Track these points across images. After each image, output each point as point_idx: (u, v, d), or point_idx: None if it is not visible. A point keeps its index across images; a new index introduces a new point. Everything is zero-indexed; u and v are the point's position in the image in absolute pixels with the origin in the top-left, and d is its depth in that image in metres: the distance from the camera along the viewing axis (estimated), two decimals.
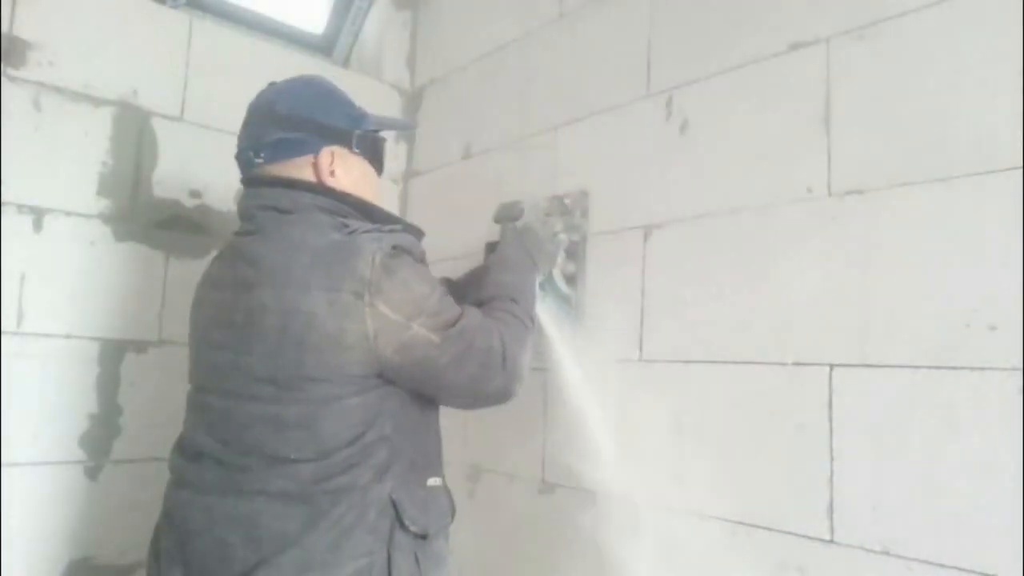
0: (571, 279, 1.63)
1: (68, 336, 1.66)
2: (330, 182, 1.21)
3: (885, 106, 1.17)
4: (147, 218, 1.78)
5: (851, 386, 1.16)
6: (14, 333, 1.59)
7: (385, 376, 1.11)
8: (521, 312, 1.29)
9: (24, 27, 1.63)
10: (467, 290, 1.52)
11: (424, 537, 1.13)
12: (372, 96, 2.21)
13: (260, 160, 1.21)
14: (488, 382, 1.18)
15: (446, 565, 1.19)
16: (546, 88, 1.82)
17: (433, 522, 1.16)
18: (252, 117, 1.24)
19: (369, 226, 1.14)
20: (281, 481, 1.06)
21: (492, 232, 1.64)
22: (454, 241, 1.88)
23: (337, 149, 1.22)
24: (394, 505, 1.10)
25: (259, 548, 1.04)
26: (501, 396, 1.21)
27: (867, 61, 1.20)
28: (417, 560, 1.11)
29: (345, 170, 1.23)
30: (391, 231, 1.16)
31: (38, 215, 1.63)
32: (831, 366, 1.18)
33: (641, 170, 1.55)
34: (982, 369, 1.02)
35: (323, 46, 2.33)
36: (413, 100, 2.34)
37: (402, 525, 1.10)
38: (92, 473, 1.67)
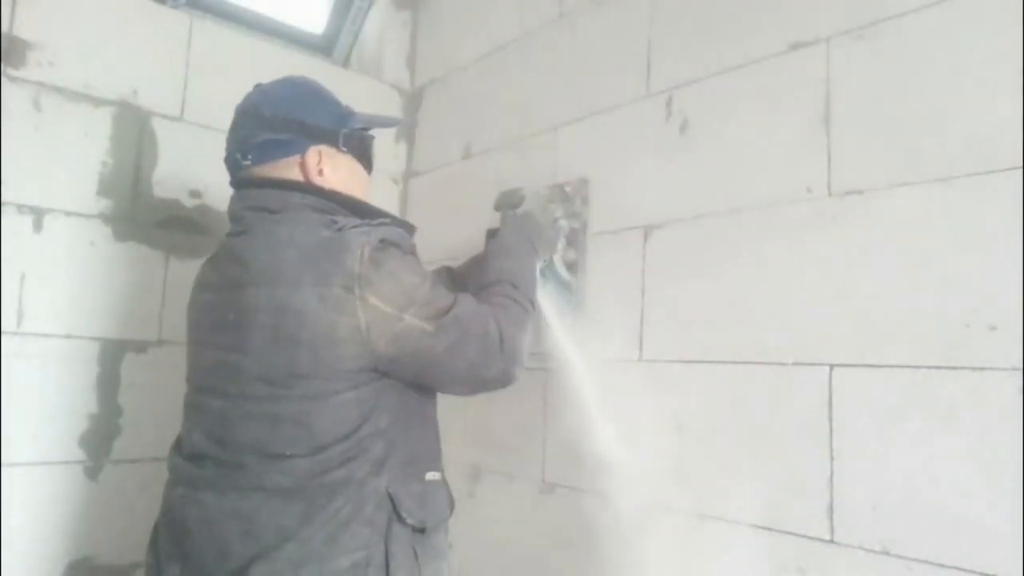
0: (571, 266, 1.63)
1: (68, 336, 1.66)
2: (318, 181, 1.21)
3: (885, 106, 1.17)
4: (147, 218, 1.78)
5: (851, 386, 1.16)
6: (14, 333, 1.59)
7: (380, 369, 1.12)
8: (520, 296, 1.30)
9: (24, 27, 1.63)
10: (468, 277, 1.52)
11: (422, 531, 1.14)
12: (372, 96, 2.22)
13: (248, 162, 1.21)
14: (487, 367, 1.18)
15: (445, 559, 1.20)
16: (546, 88, 1.81)
17: (431, 516, 1.16)
18: (239, 119, 1.25)
19: (357, 221, 1.15)
20: (277, 476, 1.07)
21: (493, 220, 1.64)
22: (454, 241, 1.87)
23: (324, 148, 1.23)
24: (391, 499, 1.10)
25: (256, 543, 1.05)
26: (501, 380, 1.21)
27: (867, 61, 1.20)
28: (415, 554, 1.11)
29: (333, 169, 1.24)
30: (379, 225, 1.16)
31: (38, 215, 1.63)
32: (831, 366, 1.18)
33: (641, 170, 1.55)
34: (982, 369, 1.02)
35: (323, 46, 2.33)
36: (413, 100, 2.34)
37: (399, 518, 1.10)
38: (92, 473, 1.67)
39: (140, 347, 1.75)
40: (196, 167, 1.85)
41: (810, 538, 1.18)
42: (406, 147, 2.33)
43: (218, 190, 1.87)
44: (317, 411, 1.07)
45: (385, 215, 1.24)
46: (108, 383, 1.71)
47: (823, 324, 1.20)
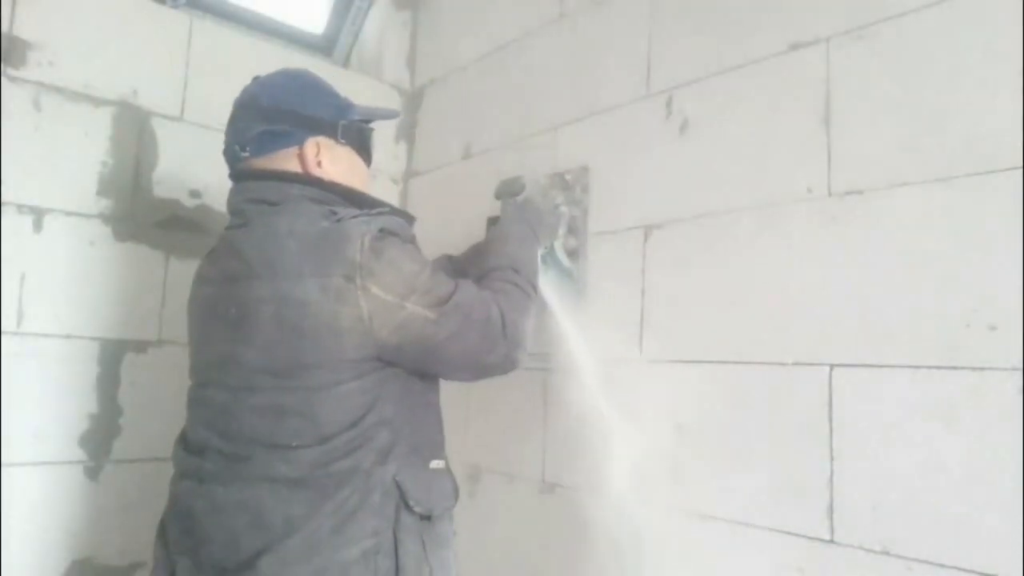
0: (572, 253, 1.63)
1: (68, 336, 1.66)
2: (317, 172, 1.21)
3: (885, 106, 1.17)
4: (147, 218, 1.78)
5: (851, 386, 1.16)
6: (14, 333, 1.59)
7: (384, 358, 1.12)
8: (522, 281, 1.30)
9: (24, 27, 1.63)
10: (469, 264, 1.52)
11: (429, 518, 1.14)
12: (372, 96, 2.21)
13: (246, 154, 1.21)
14: (489, 353, 1.18)
15: (450, 547, 1.20)
16: (546, 88, 1.81)
17: (438, 504, 1.16)
18: (237, 112, 1.25)
19: (356, 212, 1.15)
20: (284, 467, 1.07)
21: (493, 210, 1.64)
22: (454, 241, 1.87)
23: (322, 140, 1.23)
24: (398, 487, 1.10)
25: (265, 533, 1.05)
26: (504, 365, 1.22)
27: (867, 61, 1.20)
28: (423, 542, 1.12)
29: (331, 160, 1.23)
30: (379, 214, 1.16)
31: (38, 215, 1.63)
32: (831, 366, 1.18)
33: (641, 170, 1.55)
34: (982, 369, 1.02)
35: (323, 46, 2.33)
36: (413, 100, 2.34)
37: (407, 506, 1.11)
38: (92, 473, 1.67)
39: (140, 347, 1.75)
40: (196, 167, 1.85)
41: (810, 538, 1.18)
42: (406, 147, 2.33)
43: (218, 190, 1.87)
44: (321, 401, 1.07)
45: (384, 205, 1.23)
46: (108, 383, 1.71)
47: (823, 324, 1.20)
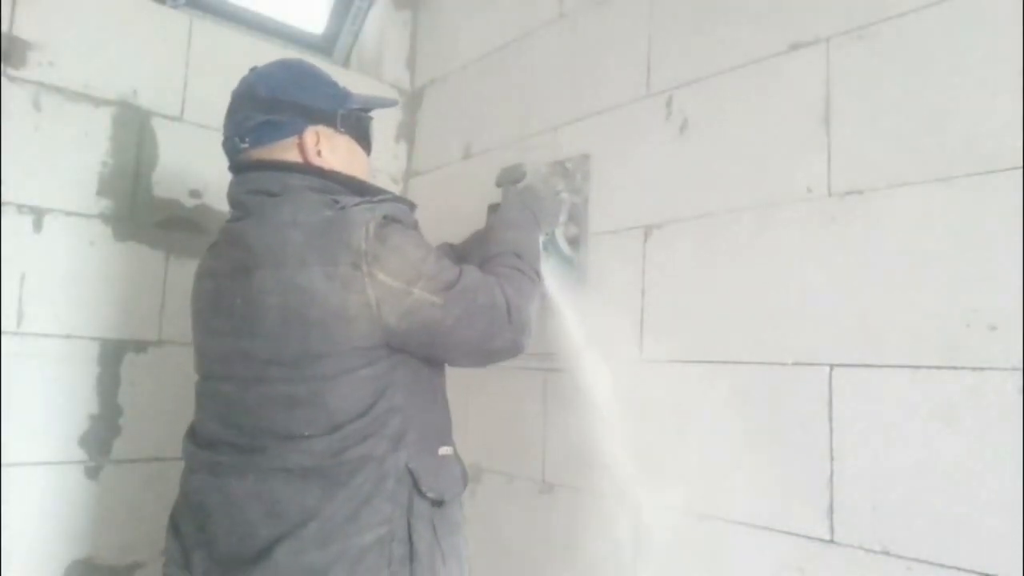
0: (573, 241, 1.63)
1: (68, 336, 1.66)
2: (317, 162, 1.21)
3: (885, 106, 1.17)
4: (147, 218, 1.78)
5: (851, 386, 1.16)
6: (14, 333, 1.59)
7: (392, 345, 1.12)
8: (525, 266, 1.30)
9: (24, 27, 1.63)
10: (470, 251, 1.52)
11: (440, 504, 1.15)
12: None
13: (245, 145, 1.21)
14: (496, 337, 1.18)
15: (460, 532, 1.21)
16: (546, 88, 1.81)
17: (447, 489, 1.17)
18: (235, 103, 1.24)
19: (359, 199, 1.14)
20: (297, 457, 1.07)
21: (494, 195, 1.64)
22: (454, 240, 1.87)
23: (322, 129, 1.22)
24: (411, 473, 1.11)
25: (280, 523, 1.05)
26: (511, 350, 1.22)
27: (867, 61, 1.20)
28: (434, 527, 1.13)
29: (331, 149, 1.23)
30: (381, 201, 1.16)
31: (38, 215, 1.63)
32: (831, 366, 1.18)
33: (641, 170, 1.55)
34: (982, 369, 1.02)
35: (323, 46, 2.33)
36: (413, 100, 2.34)
37: (420, 492, 1.11)
38: (92, 473, 1.67)
39: (140, 347, 1.75)
40: (196, 167, 1.85)
41: (810, 538, 1.18)
42: (406, 147, 2.33)
43: (218, 190, 1.87)
44: (332, 390, 1.07)
45: (385, 192, 1.23)
46: (108, 383, 1.71)
47: (823, 324, 1.20)
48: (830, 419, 1.17)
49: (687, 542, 1.34)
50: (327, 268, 1.06)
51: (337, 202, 1.12)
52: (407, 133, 2.33)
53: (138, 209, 1.77)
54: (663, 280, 1.47)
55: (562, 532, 1.58)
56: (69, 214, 1.67)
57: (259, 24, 2.16)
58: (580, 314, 1.54)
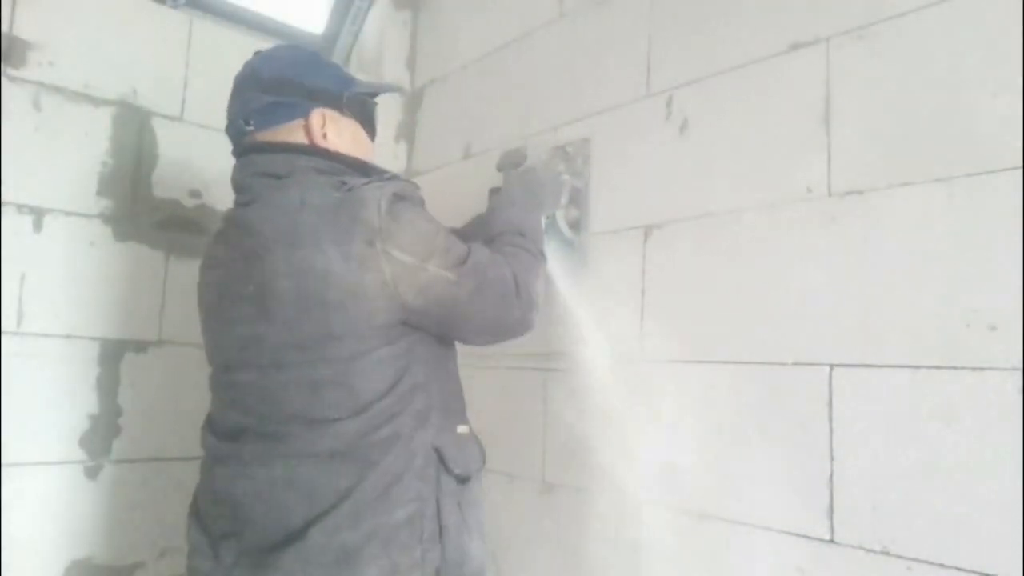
0: (574, 224, 1.63)
1: (68, 336, 1.66)
2: (323, 144, 1.20)
3: (885, 106, 1.17)
4: (147, 218, 1.78)
5: (851, 386, 1.16)
6: (14, 333, 1.59)
7: (410, 322, 1.12)
8: (529, 244, 1.31)
9: (24, 27, 1.63)
10: (474, 234, 1.52)
11: (465, 480, 1.16)
12: None
13: (250, 127, 1.20)
14: (507, 314, 1.19)
15: (481, 509, 1.23)
16: (546, 88, 1.81)
17: (470, 465, 1.18)
18: (239, 85, 1.24)
19: (366, 179, 1.14)
20: (327, 441, 1.07)
21: (495, 179, 1.64)
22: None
23: (328, 111, 1.22)
24: (437, 451, 1.12)
25: (313, 505, 1.05)
26: (521, 327, 1.23)
27: (867, 61, 1.20)
28: (459, 503, 1.14)
29: (337, 132, 1.23)
30: (389, 180, 1.16)
31: (38, 215, 1.63)
32: (831, 366, 1.18)
33: (641, 170, 1.55)
34: (982, 369, 1.02)
35: (323, 46, 2.33)
36: (413, 100, 2.34)
37: (447, 469, 1.12)
38: (92, 473, 1.67)
39: (140, 347, 1.75)
40: (196, 167, 1.85)
41: (810, 538, 1.18)
42: (406, 147, 2.33)
43: (218, 190, 1.87)
44: (355, 371, 1.07)
45: (391, 172, 1.23)
46: (108, 383, 1.71)
47: (823, 324, 1.20)
48: (830, 419, 1.17)
49: (687, 542, 1.34)
50: (342, 248, 1.05)
51: (344, 183, 1.12)
52: (407, 133, 2.33)
53: (138, 209, 1.77)
54: (663, 280, 1.47)
55: (562, 532, 1.58)
56: (69, 214, 1.67)
57: (259, 24, 2.16)
58: (580, 313, 1.54)
